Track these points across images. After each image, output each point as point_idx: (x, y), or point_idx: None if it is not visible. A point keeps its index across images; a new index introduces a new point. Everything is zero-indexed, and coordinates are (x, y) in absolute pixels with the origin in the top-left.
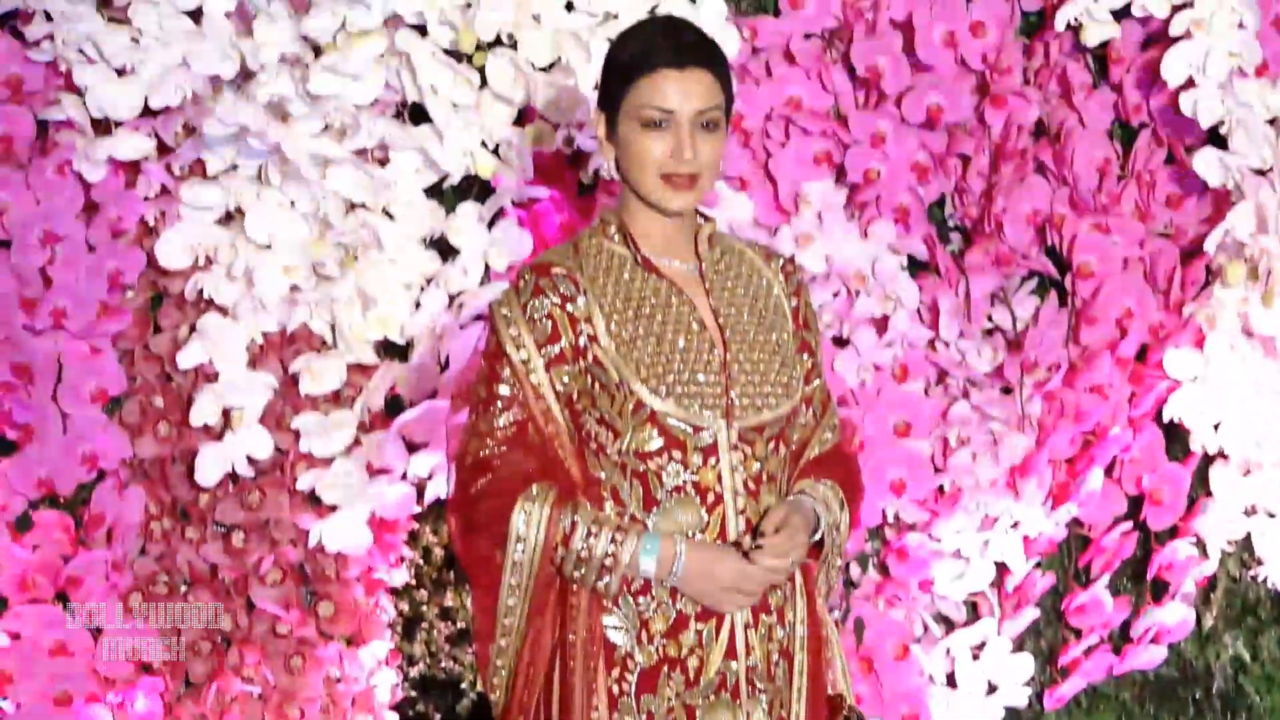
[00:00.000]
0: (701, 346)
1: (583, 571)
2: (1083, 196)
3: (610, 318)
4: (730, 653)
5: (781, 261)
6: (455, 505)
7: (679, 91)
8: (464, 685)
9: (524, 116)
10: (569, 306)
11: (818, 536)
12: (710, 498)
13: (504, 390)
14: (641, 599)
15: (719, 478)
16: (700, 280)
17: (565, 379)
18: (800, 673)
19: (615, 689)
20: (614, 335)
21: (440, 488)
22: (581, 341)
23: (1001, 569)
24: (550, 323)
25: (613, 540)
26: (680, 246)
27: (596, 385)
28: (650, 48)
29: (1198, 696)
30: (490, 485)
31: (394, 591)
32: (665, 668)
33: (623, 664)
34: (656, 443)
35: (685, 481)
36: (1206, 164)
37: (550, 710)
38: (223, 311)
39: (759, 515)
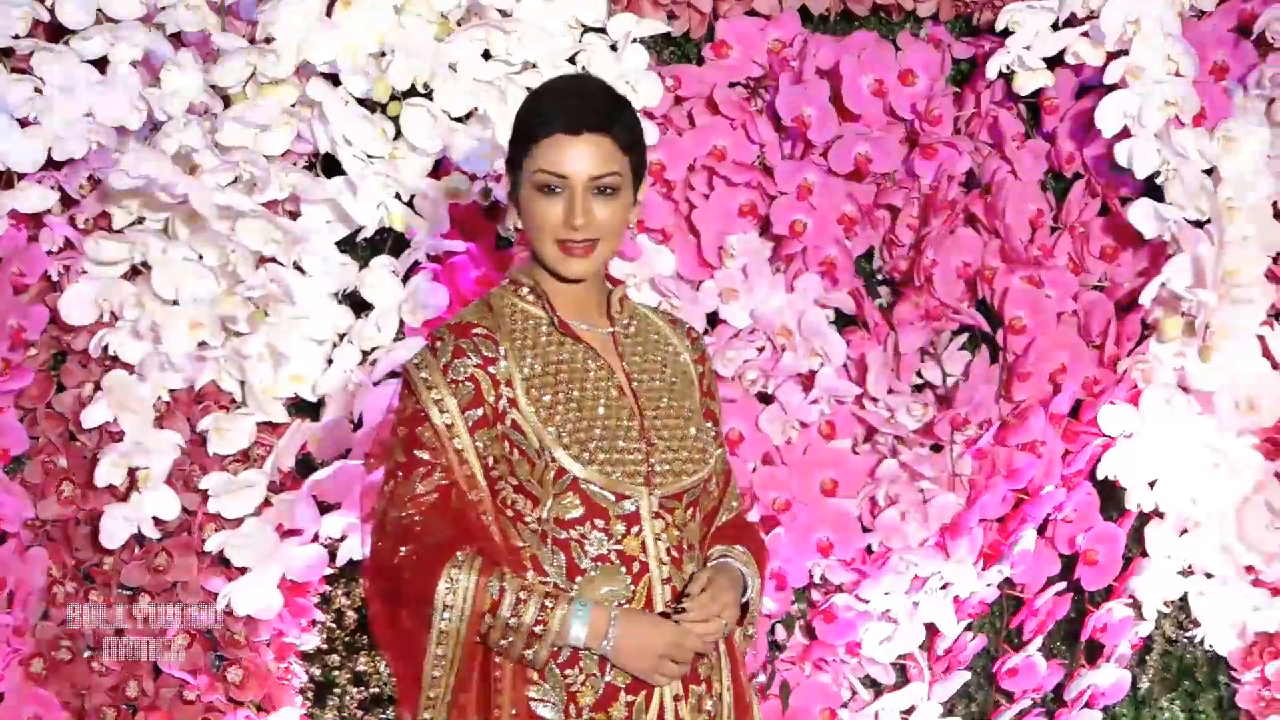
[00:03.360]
0: (620, 413)
1: (510, 640)
2: (1015, 249)
3: (530, 381)
4: None
5: (686, 328)
6: (375, 575)
7: (573, 157)
8: None
9: (439, 168)
10: (490, 369)
11: (746, 597)
12: (636, 566)
13: (425, 455)
14: (569, 671)
15: (643, 546)
16: (614, 345)
17: (485, 443)
18: None
19: None
20: (534, 400)
21: (353, 549)
22: (501, 405)
23: (931, 631)
24: (472, 385)
25: (542, 608)
26: (592, 310)
27: (515, 451)
28: (549, 112)
29: None
30: (413, 554)
31: (305, 656)
32: None
33: None
34: (578, 511)
35: (609, 550)
36: (1142, 215)
37: None
38: (128, 369)
39: (683, 584)
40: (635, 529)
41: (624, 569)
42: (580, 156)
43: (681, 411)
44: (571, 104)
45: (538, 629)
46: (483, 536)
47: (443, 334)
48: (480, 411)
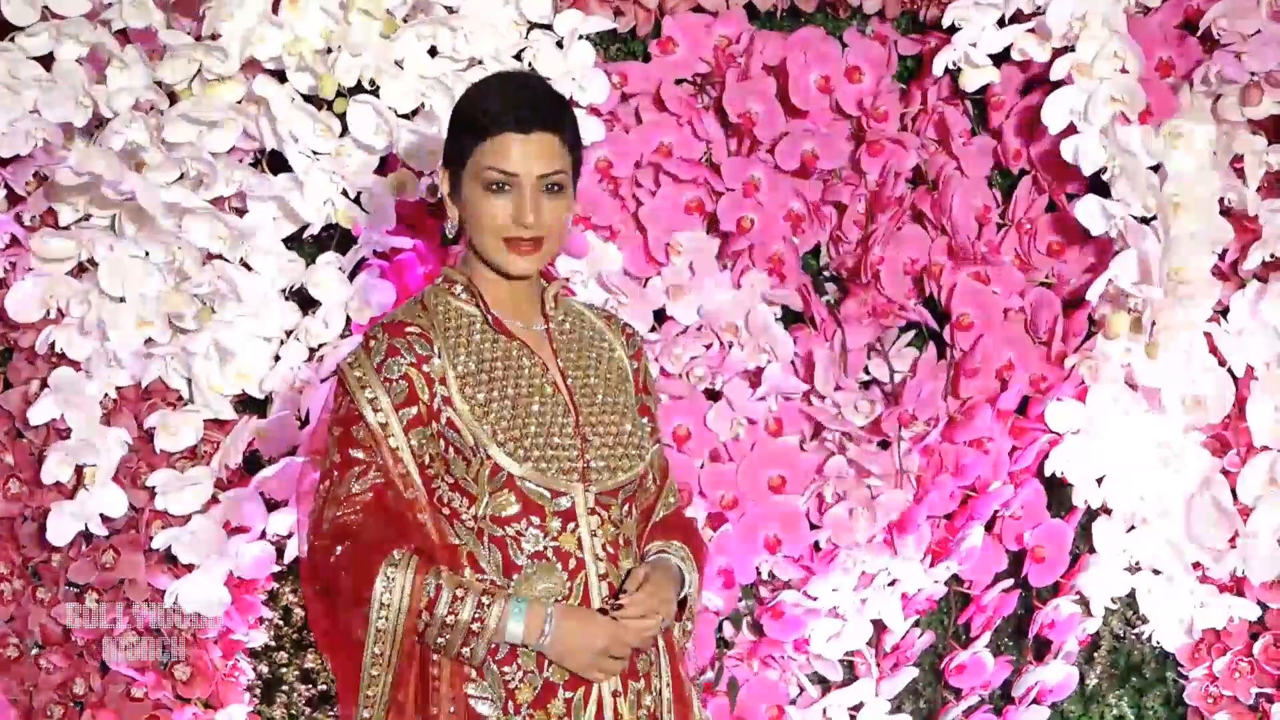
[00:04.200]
0: (555, 410)
1: (447, 638)
2: (962, 245)
3: (464, 379)
4: None
5: (621, 324)
6: (312, 574)
7: (522, 155)
8: None
9: (386, 164)
10: (424, 367)
11: (684, 593)
12: (572, 563)
13: (359, 454)
14: (506, 668)
15: (579, 543)
16: (548, 342)
17: (421, 442)
18: None
19: None
20: (468, 398)
21: (300, 546)
22: (436, 404)
23: (879, 627)
24: (406, 384)
25: (479, 605)
26: (527, 308)
27: (450, 449)
28: (495, 109)
29: None
30: (349, 552)
31: (253, 653)
32: None
33: None
34: (514, 508)
35: (545, 547)
36: (1088, 212)
37: None
38: (75, 366)
39: (620, 580)
40: (571, 525)
41: (560, 565)
42: (530, 155)
43: (617, 408)
44: (520, 102)
45: (474, 626)
46: (419, 535)
47: (376, 333)
48: (415, 410)
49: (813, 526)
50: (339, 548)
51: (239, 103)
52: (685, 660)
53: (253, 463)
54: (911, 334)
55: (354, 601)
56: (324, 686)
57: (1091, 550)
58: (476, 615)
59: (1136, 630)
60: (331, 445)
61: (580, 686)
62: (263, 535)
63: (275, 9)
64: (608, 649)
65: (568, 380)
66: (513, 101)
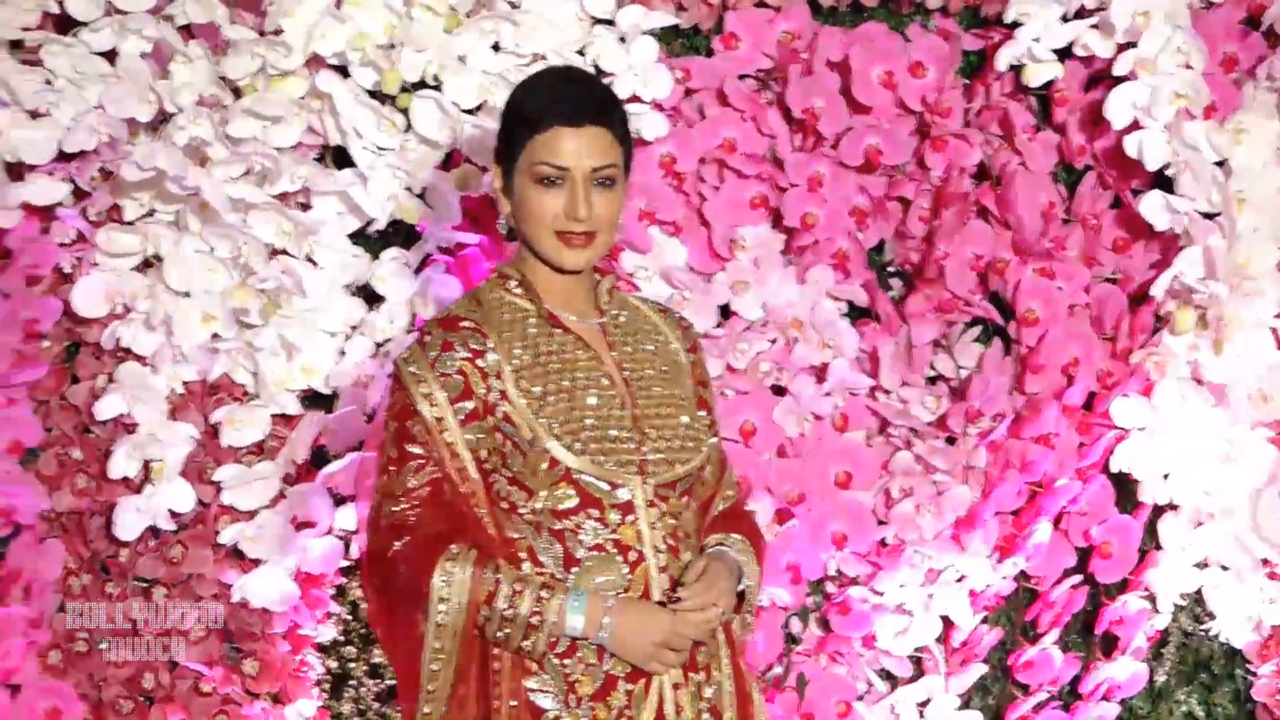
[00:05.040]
0: (612, 403)
1: (507, 632)
2: (1027, 241)
3: (520, 373)
4: (660, 714)
5: (677, 317)
6: (371, 569)
7: (574, 149)
8: None
9: (450, 160)
10: (479, 361)
11: (743, 585)
12: (632, 555)
13: (416, 450)
14: (567, 661)
15: (639, 535)
16: (603, 335)
17: (477, 436)
18: None
19: None
20: (524, 392)
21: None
22: (492, 397)
23: (947, 624)
24: (461, 379)
25: (538, 599)
26: (581, 301)
27: (508, 443)
28: (546, 104)
29: None
30: (407, 547)
31: (321, 648)
32: None
33: None
34: (572, 501)
35: (605, 540)
36: (1153, 207)
37: None
38: (141, 361)
39: (680, 572)
40: (630, 518)
41: (620, 558)
42: (582, 148)
43: (673, 400)
44: (570, 96)
45: (534, 620)
46: (476, 529)
47: (431, 328)
48: (470, 404)
49: (879, 522)
50: (397, 543)
51: (302, 98)
52: (746, 653)
53: (319, 458)
54: (977, 329)
55: (413, 597)
56: (392, 681)
57: (1159, 546)
58: (536, 609)
59: (1204, 627)
60: (388, 441)
61: (641, 679)
62: (329, 530)
63: (339, 4)
64: (667, 641)
65: (623, 373)
66: (563, 95)
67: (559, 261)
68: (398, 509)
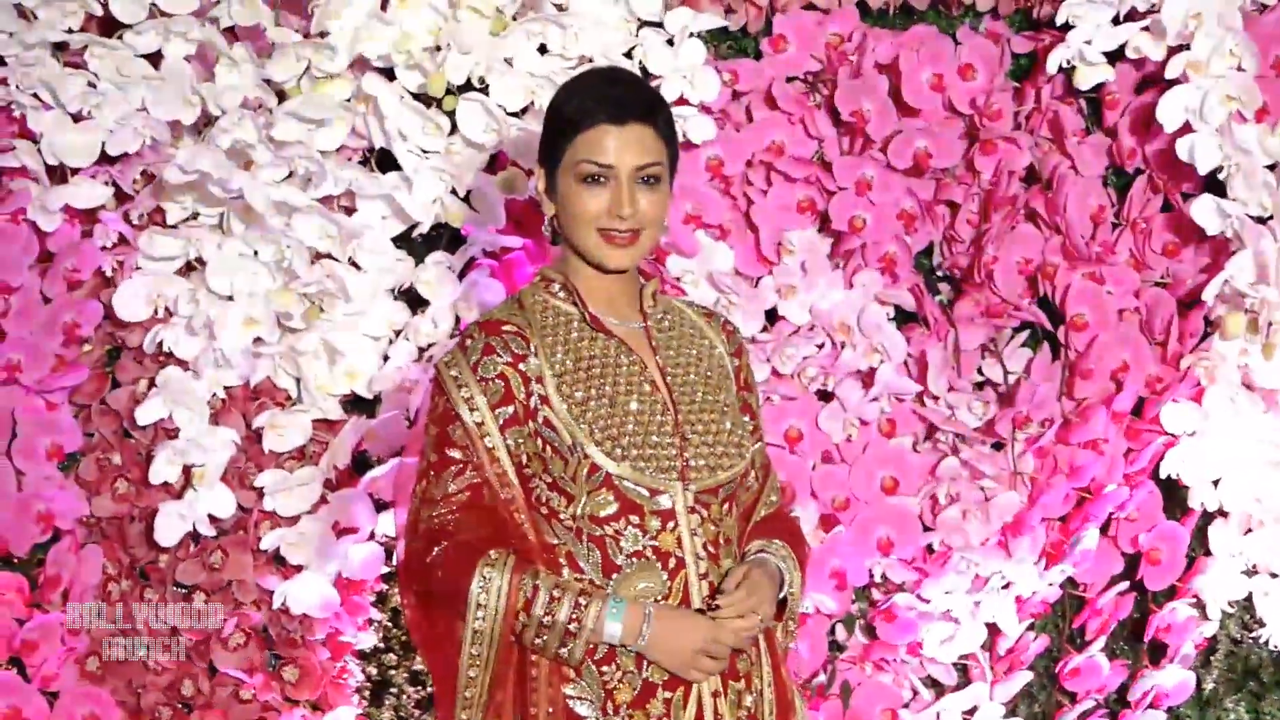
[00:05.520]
0: (654, 408)
1: (545, 639)
2: (1076, 245)
3: (561, 378)
4: None
5: (722, 321)
6: (409, 575)
7: (619, 147)
8: None
9: (495, 163)
10: (521, 366)
11: (784, 593)
12: (672, 563)
13: (456, 454)
14: (605, 668)
15: (679, 542)
16: (647, 339)
17: (518, 441)
18: None
19: None
20: (566, 396)
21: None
22: (533, 402)
23: (993, 631)
24: (502, 383)
25: (576, 605)
26: (624, 305)
27: (548, 449)
28: (590, 102)
29: None
30: (445, 553)
31: (361, 655)
32: None
33: None
34: (612, 507)
35: (645, 546)
36: (1204, 211)
37: None
38: (183, 365)
39: (720, 579)
40: (671, 525)
41: (660, 565)
42: (626, 146)
43: (717, 406)
44: (614, 94)
45: (572, 626)
46: (515, 535)
47: (472, 331)
48: (511, 409)
49: (926, 529)
50: (435, 549)
51: (348, 101)
52: (788, 661)
53: (361, 463)
54: (1025, 334)
55: (451, 603)
56: (433, 689)
57: (1208, 553)
58: (574, 615)
59: (1254, 634)
60: (428, 445)
61: (679, 687)
62: (371, 536)
63: (384, 6)
64: (705, 649)
65: (666, 378)
66: (607, 94)
67: (602, 261)
68: (436, 514)
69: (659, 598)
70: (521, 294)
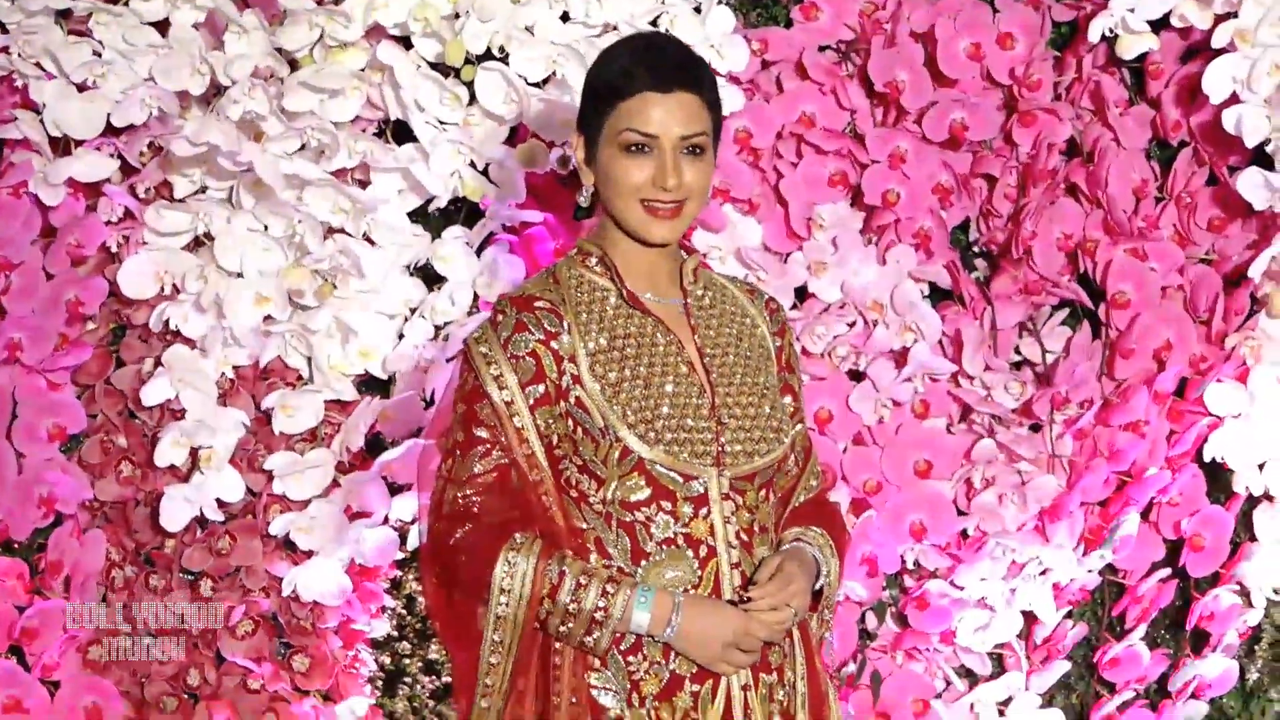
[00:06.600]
0: (690, 390)
1: (570, 627)
2: (1118, 220)
3: (595, 357)
4: (728, 716)
5: (765, 298)
6: (431, 557)
7: (662, 115)
8: None
9: (515, 135)
10: (553, 344)
11: (820, 584)
12: (703, 551)
13: (483, 434)
14: (631, 658)
15: (711, 529)
16: (686, 317)
17: (548, 422)
18: None
19: None
20: (599, 377)
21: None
22: (565, 382)
23: (1030, 619)
24: (534, 361)
25: (603, 593)
26: (664, 281)
27: (579, 430)
28: (633, 69)
29: None
30: (470, 536)
31: (374, 643)
32: None
33: None
34: (644, 492)
35: (676, 533)
36: (1251, 185)
37: None
38: (190, 344)
39: (754, 569)
40: (704, 511)
41: (690, 553)
42: (671, 115)
43: (756, 388)
44: (659, 61)
45: (598, 615)
46: (543, 518)
47: (504, 307)
48: (542, 388)
49: (960, 513)
50: (459, 531)
51: (362, 70)
52: (823, 653)
53: (375, 445)
54: (1065, 312)
55: (474, 587)
56: (448, 679)
57: (1252, 538)
58: (600, 603)
59: None
60: (455, 423)
61: (708, 679)
62: (385, 520)
63: None
64: (736, 641)
65: (704, 359)
66: (652, 61)
67: (645, 234)
68: (461, 495)
69: (689, 587)
70: (557, 268)
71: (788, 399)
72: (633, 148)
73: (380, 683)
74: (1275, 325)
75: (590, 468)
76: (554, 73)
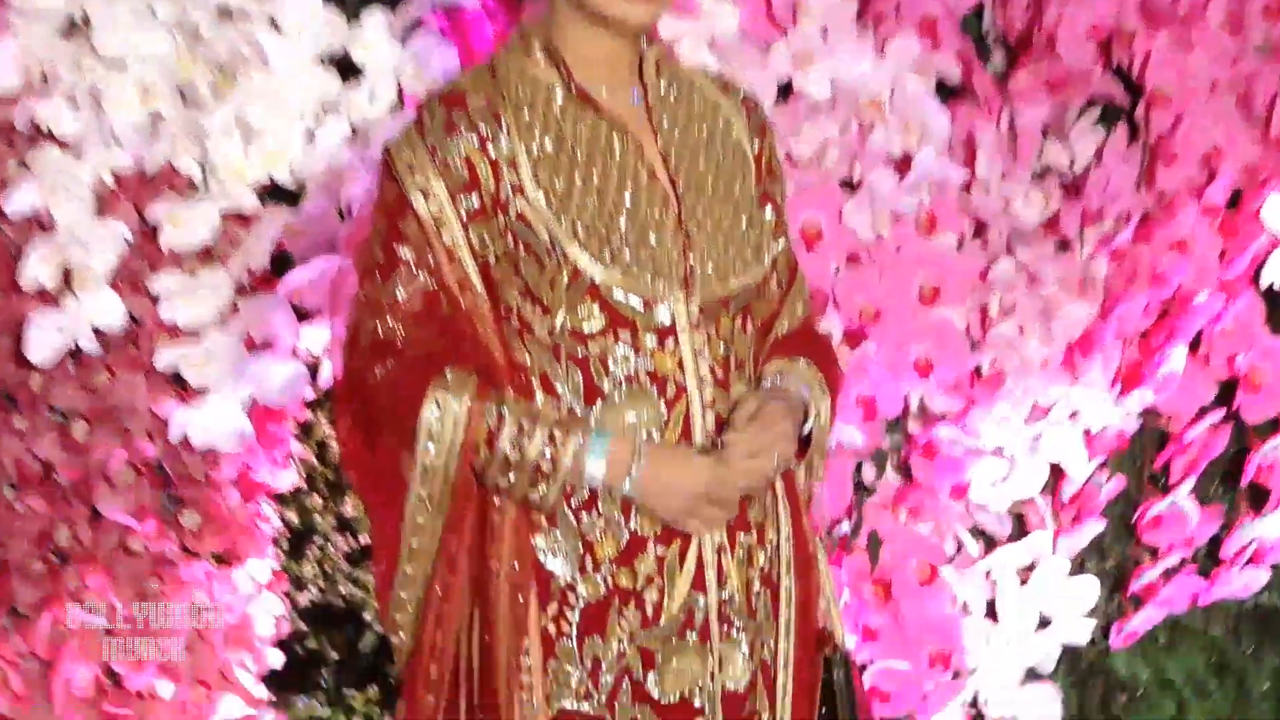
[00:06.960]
0: (652, 200)
1: (511, 479)
2: (1159, 4)
3: (539, 163)
4: (699, 583)
5: (742, 95)
6: (347, 397)
7: None
8: (367, 615)
9: None
10: (489, 148)
11: (808, 428)
12: (670, 389)
13: (407, 253)
14: (585, 516)
15: (680, 364)
16: (647, 116)
17: (484, 238)
18: (787, 603)
19: (552, 629)
20: (544, 185)
21: (336, 364)
22: (504, 193)
23: (1056, 471)
24: (467, 168)
25: (550, 439)
26: (622, 73)
27: (521, 248)
28: None
29: None
30: (393, 372)
31: (279, 498)
32: (616, 602)
33: (561, 598)
34: (598, 322)
35: (637, 369)
36: None
37: (469, 655)
38: (62, 145)
39: (731, 410)
40: (670, 343)
41: (655, 392)
42: None
43: (730, 198)
44: None
45: (544, 465)
46: (478, 352)
47: (432, 107)
48: (476, 199)
49: (973, 346)
50: (379, 366)
51: None
52: (811, 510)
53: (281, 264)
54: (1096, 112)
55: (397, 432)
56: (366, 539)
57: None
58: (547, 451)
59: None
60: (374, 242)
61: (675, 540)
62: (293, 353)
63: None
64: (709, 494)
65: (669, 165)
66: None
67: (623, 14)
68: (382, 325)
69: (654, 430)
70: (495, 60)
71: (768, 211)
72: None
73: (286, 543)
74: None
75: (535, 293)
76: None
